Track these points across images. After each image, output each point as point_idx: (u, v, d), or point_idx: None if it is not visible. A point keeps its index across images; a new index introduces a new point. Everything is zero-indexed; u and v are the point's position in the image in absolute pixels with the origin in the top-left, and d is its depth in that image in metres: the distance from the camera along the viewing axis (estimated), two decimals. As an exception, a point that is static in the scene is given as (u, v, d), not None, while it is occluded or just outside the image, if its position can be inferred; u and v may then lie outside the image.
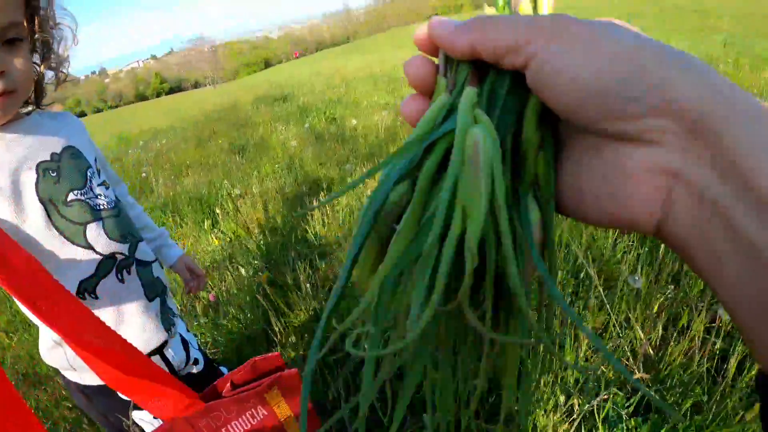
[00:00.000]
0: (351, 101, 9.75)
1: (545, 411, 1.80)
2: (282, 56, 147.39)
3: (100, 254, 1.31)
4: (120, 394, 1.37)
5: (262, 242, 3.66)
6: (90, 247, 1.30)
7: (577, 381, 1.90)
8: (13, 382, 2.71)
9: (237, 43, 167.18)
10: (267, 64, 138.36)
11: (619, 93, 0.30)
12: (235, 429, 1.17)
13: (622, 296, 2.15)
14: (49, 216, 1.24)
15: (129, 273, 1.39)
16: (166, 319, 1.50)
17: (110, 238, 1.34)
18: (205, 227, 4.49)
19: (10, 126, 1.27)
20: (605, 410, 1.75)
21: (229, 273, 3.26)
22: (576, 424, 1.75)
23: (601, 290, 2.08)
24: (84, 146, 1.42)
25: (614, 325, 2.06)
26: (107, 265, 1.33)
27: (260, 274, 3.20)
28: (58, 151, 1.32)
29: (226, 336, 2.70)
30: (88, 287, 1.29)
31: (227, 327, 2.77)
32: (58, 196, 1.26)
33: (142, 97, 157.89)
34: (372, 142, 5.80)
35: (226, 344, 2.66)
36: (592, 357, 1.98)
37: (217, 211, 4.68)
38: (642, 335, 1.96)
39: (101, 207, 1.36)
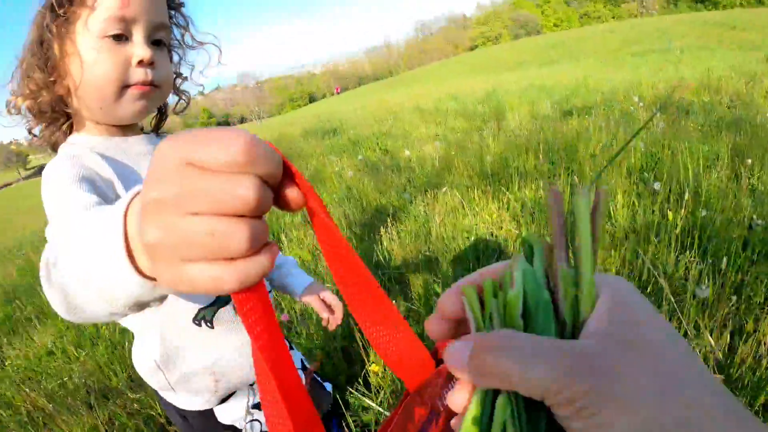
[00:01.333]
0: (400, 133, 9.85)
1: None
2: (326, 91, 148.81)
3: None
4: (218, 417, 1.36)
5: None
6: None
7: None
8: (84, 395, 2.81)
9: (282, 79, 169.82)
10: (311, 99, 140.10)
11: None
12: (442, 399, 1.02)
13: (690, 305, 2.25)
14: None
15: None
16: None
17: None
18: (271, 254, 4.62)
19: (137, 136, 1.26)
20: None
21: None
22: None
23: (672, 299, 2.18)
24: None
25: (685, 333, 2.15)
26: (226, 295, 1.29)
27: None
28: None
29: (304, 353, 2.80)
30: (206, 316, 1.25)
31: (303, 345, 2.88)
32: None
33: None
34: (428, 171, 5.91)
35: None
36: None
37: (282, 238, 4.84)
38: (712, 341, 2.05)
39: None
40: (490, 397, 0.38)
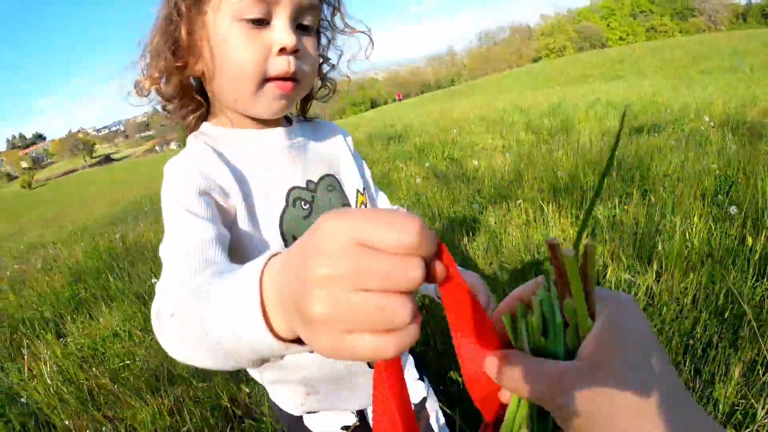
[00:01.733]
0: (466, 143, 9.80)
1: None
2: (387, 97, 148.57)
3: None
4: (306, 424, 1.30)
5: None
6: None
7: (728, 414, 1.97)
8: (148, 379, 2.84)
9: (343, 83, 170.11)
10: (373, 104, 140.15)
11: None
12: None
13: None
14: None
15: None
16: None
17: None
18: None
19: (273, 129, 1.14)
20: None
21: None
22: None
23: (755, 324, 2.16)
24: (348, 174, 1.25)
25: (761, 363, 2.13)
26: None
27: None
28: (315, 179, 1.15)
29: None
30: None
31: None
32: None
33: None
34: (497, 183, 5.90)
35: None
36: (742, 390, 2.05)
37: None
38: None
39: None
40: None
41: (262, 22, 0.96)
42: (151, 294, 4.65)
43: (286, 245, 1.01)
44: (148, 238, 7.42)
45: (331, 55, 1.25)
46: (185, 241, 0.87)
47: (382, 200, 1.44)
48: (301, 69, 1.02)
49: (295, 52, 0.99)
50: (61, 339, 4.20)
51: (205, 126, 1.13)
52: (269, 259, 0.51)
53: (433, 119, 16.93)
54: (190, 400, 2.78)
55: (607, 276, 3.06)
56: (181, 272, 0.80)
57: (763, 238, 3.00)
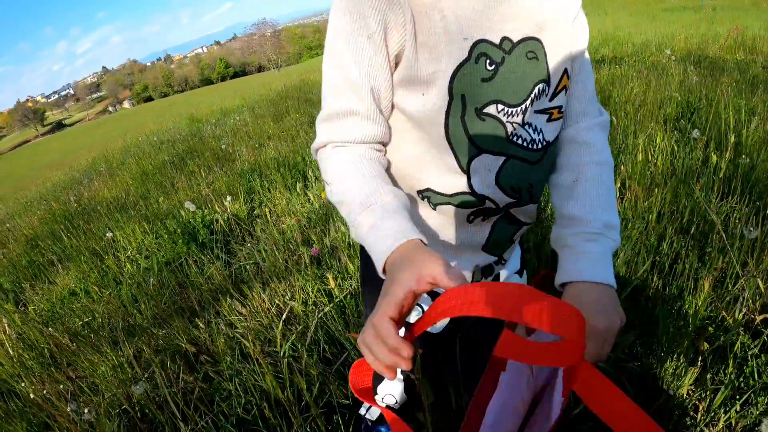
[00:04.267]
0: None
1: (672, 357, 1.80)
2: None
3: (472, 191, 0.98)
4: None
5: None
6: (467, 174, 0.96)
7: (699, 328, 1.92)
8: (108, 333, 2.72)
9: (299, 27, 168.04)
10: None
11: None
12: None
13: (739, 246, 2.18)
14: (448, 112, 0.89)
15: (484, 220, 1.06)
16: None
17: (497, 183, 0.98)
18: (298, 189, 4.57)
19: None
20: (734, 350, 1.77)
21: (333, 230, 3.35)
22: (702, 365, 1.78)
23: (724, 235, 2.11)
24: (561, 46, 0.96)
25: (730, 276, 2.08)
26: (467, 202, 1.00)
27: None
28: (515, 38, 0.89)
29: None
30: (432, 199, 1.02)
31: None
32: (476, 99, 0.89)
33: (207, 82, 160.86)
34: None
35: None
36: (712, 303, 2.01)
37: (309, 174, 4.87)
38: (760, 283, 1.97)
39: (520, 141, 0.95)
40: None
41: None
42: (105, 250, 4.63)
43: (450, 105, 0.88)
44: (103, 196, 7.28)
45: None
46: (349, 99, 0.90)
47: (587, 79, 1.05)
48: None
49: None
50: (21, 306, 4.14)
51: None
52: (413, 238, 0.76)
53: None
54: (150, 349, 2.71)
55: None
56: (343, 151, 0.92)
57: (727, 156, 2.95)
